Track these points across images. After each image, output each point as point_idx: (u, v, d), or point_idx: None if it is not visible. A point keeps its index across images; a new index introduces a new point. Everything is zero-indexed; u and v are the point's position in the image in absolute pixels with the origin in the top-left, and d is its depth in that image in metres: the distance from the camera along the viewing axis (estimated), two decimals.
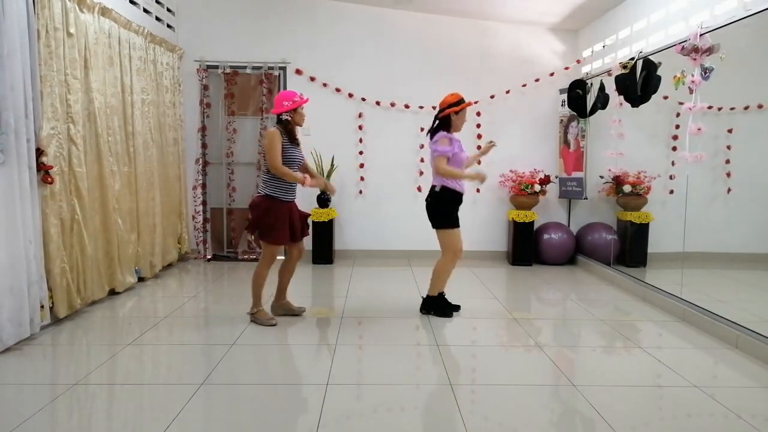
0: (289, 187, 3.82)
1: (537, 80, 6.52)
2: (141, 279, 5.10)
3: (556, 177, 6.52)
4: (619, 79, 4.93)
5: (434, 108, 6.40)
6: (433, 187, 4.06)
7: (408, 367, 3.19)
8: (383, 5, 6.33)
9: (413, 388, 2.89)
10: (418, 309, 4.27)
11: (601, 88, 5.59)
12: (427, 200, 4.11)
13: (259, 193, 3.84)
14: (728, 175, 5.15)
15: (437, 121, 4.05)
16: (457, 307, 4.27)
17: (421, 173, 6.54)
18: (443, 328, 3.88)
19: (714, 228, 5.25)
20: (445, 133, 3.98)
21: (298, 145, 3.89)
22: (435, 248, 6.58)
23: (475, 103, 6.36)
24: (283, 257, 4.14)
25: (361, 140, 6.53)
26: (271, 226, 3.75)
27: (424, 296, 4.26)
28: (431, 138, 4.04)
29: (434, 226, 4.09)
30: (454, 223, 4.05)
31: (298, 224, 3.90)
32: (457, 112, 3.99)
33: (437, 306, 4.18)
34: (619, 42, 5.55)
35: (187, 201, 6.32)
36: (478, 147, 6.45)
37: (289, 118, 3.78)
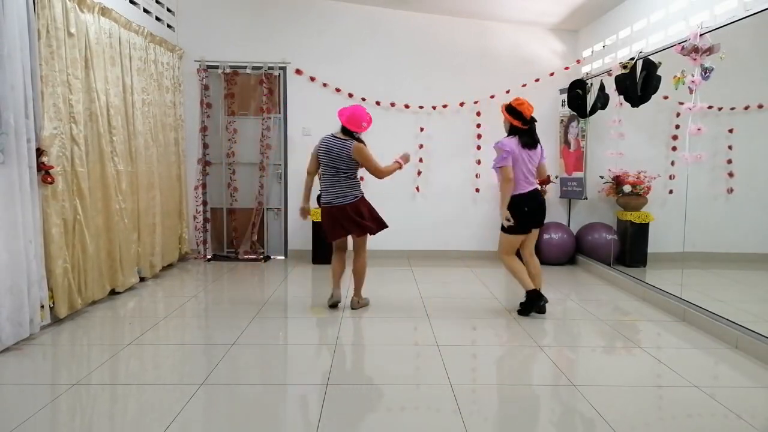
0: None
1: (537, 80, 6.52)
2: (142, 279, 5.11)
3: (557, 177, 6.52)
4: (619, 79, 4.92)
5: (434, 108, 6.56)
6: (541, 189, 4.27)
7: (408, 367, 3.19)
8: (383, 5, 6.33)
9: (413, 388, 2.89)
10: (417, 309, 4.27)
11: (601, 88, 5.59)
12: (543, 202, 4.25)
13: (352, 200, 4.21)
14: (730, 175, 5.15)
15: (532, 128, 4.12)
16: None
17: (419, 173, 6.54)
18: (443, 328, 3.88)
19: (714, 228, 5.25)
20: None
21: None
22: (434, 248, 6.69)
23: (475, 103, 6.43)
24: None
25: None
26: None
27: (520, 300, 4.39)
28: (536, 145, 4.16)
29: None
30: None
31: None
32: None
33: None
34: (619, 42, 5.55)
35: (187, 201, 6.32)
36: (478, 147, 6.51)
37: (360, 136, 4.25)
